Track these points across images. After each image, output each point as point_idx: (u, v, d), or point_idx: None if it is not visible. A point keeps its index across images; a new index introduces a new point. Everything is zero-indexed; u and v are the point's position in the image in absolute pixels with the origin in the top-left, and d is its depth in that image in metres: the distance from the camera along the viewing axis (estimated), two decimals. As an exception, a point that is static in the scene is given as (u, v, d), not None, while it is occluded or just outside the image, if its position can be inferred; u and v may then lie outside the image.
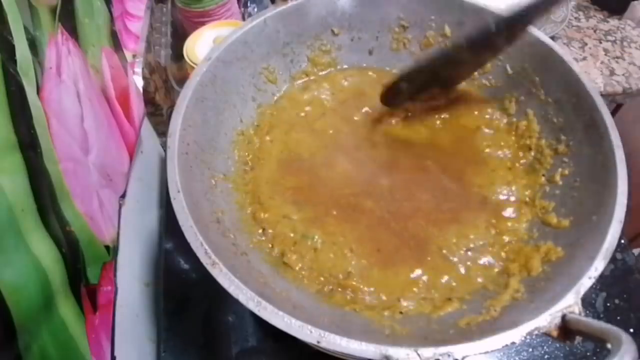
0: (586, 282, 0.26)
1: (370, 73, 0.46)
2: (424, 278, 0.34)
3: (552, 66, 0.38)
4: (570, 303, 0.25)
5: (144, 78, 0.54)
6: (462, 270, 0.34)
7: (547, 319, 0.25)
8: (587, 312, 0.41)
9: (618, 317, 0.41)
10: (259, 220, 0.37)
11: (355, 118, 0.43)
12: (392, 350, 0.24)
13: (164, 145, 0.56)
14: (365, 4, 0.44)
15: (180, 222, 0.29)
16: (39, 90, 0.31)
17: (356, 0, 0.44)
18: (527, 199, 0.37)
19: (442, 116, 0.42)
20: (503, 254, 0.35)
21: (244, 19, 0.65)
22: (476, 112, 0.43)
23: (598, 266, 0.27)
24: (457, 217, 0.36)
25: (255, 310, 0.26)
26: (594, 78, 0.65)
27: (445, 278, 0.34)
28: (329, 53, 0.46)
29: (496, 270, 0.34)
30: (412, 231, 0.36)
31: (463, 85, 0.44)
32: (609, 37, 0.71)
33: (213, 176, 0.37)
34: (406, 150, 0.41)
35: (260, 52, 0.42)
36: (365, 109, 0.43)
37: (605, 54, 0.68)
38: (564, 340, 0.25)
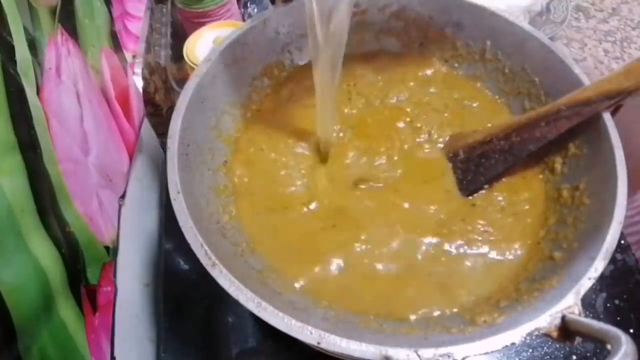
0: (586, 283, 0.26)
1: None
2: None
3: (552, 67, 0.38)
4: (570, 304, 0.25)
5: (144, 78, 0.54)
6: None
7: (547, 320, 0.25)
8: (587, 312, 0.40)
9: (618, 318, 0.41)
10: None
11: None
12: (392, 351, 0.24)
13: (163, 146, 0.56)
14: (365, 5, 0.44)
15: (180, 223, 0.29)
16: (38, 90, 0.31)
17: (356, 2, 0.44)
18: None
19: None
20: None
21: (244, 19, 0.65)
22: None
23: (598, 267, 0.27)
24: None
25: (255, 311, 0.26)
26: (593, 79, 0.65)
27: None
28: (329, 54, 0.46)
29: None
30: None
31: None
32: (609, 38, 0.71)
33: (213, 177, 0.37)
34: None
35: (260, 53, 0.42)
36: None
37: (605, 55, 0.68)
38: (564, 341, 0.25)
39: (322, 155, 0.39)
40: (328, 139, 0.39)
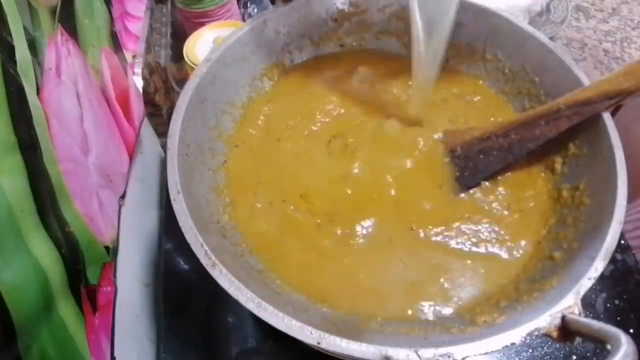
0: (586, 283, 0.26)
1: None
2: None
3: (551, 67, 0.38)
4: (570, 304, 0.26)
5: (144, 79, 0.54)
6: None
7: (547, 320, 0.25)
8: (587, 312, 0.40)
9: (618, 318, 0.41)
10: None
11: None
12: (392, 351, 0.24)
13: (164, 146, 0.56)
14: (365, 5, 0.44)
15: (181, 223, 0.29)
16: (38, 91, 0.31)
17: (356, 2, 0.44)
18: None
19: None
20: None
21: (244, 19, 0.65)
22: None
23: (598, 267, 0.27)
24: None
25: (255, 311, 0.26)
26: (593, 79, 0.65)
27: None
28: (329, 54, 0.46)
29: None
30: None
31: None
32: (609, 38, 0.71)
33: (213, 177, 0.37)
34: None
35: (260, 53, 0.42)
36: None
37: (605, 55, 0.68)
38: (564, 341, 0.25)
39: (412, 122, 0.41)
40: (420, 112, 0.41)
